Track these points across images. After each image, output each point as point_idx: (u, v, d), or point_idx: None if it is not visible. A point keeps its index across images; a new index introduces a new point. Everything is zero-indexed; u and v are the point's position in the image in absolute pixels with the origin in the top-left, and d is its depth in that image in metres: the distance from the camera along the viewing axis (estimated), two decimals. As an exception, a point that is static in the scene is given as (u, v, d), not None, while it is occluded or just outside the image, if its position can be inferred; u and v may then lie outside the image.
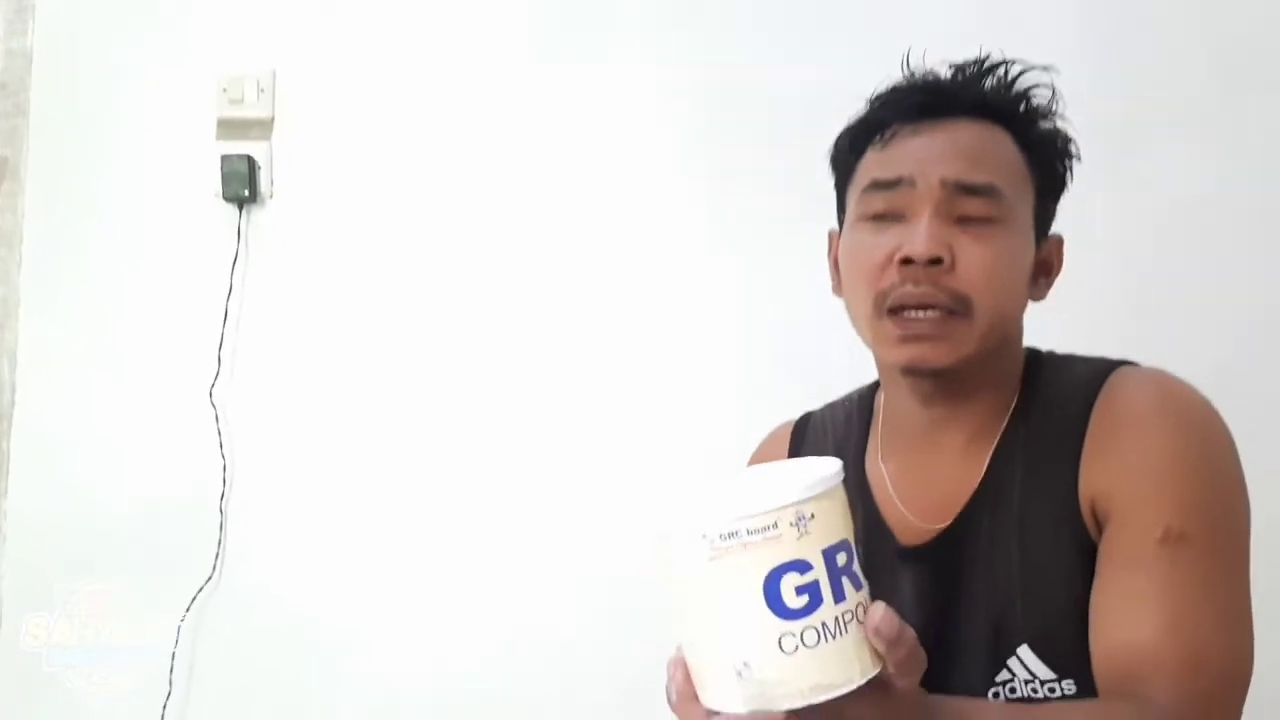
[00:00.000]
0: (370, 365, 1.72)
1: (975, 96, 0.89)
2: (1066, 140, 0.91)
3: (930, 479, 0.91)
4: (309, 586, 1.69)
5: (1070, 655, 0.82)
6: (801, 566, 0.57)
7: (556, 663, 1.66)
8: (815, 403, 1.07)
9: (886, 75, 0.92)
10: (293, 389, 1.72)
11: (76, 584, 1.65)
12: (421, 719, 1.68)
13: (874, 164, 0.89)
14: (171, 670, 1.68)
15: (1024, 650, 0.85)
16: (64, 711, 1.65)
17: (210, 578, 1.69)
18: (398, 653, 1.69)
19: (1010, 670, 0.86)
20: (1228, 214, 1.59)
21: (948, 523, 0.89)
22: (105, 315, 1.75)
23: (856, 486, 0.96)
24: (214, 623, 1.69)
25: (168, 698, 1.67)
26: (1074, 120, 0.92)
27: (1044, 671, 0.84)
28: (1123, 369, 0.88)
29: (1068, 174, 0.92)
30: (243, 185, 1.71)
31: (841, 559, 0.59)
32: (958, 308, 0.84)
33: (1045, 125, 0.90)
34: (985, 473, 0.88)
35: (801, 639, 0.57)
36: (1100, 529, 0.82)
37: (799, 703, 0.58)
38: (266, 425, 1.72)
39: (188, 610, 1.68)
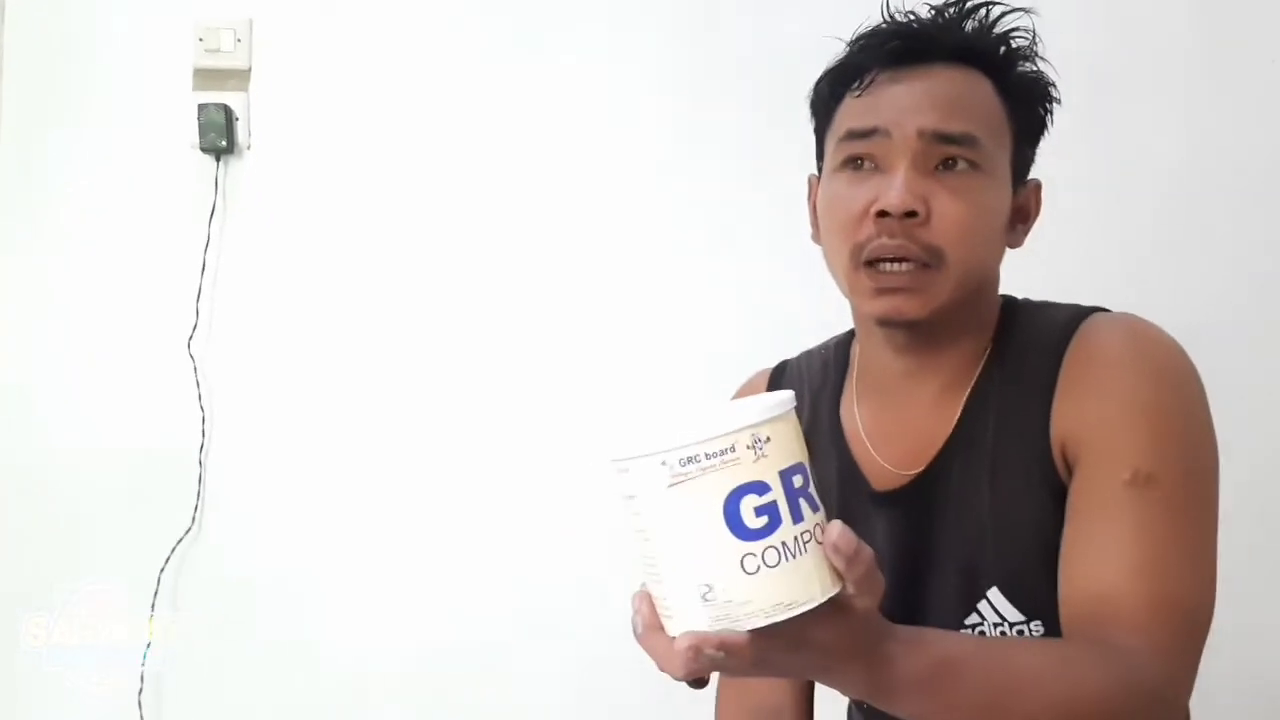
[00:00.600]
0: (349, 316, 1.71)
1: (955, 40, 0.88)
2: (1047, 84, 0.90)
3: (904, 426, 0.92)
4: (288, 537, 1.70)
5: (1039, 598, 0.83)
6: (760, 488, 0.59)
7: (532, 615, 1.67)
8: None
9: (867, 18, 0.91)
10: (271, 341, 1.72)
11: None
12: (400, 669, 1.69)
13: (851, 112, 0.88)
14: (152, 620, 1.68)
15: (994, 593, 0.86)
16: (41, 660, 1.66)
17: (190, 529, 1.69)
18: (376, 602, 1.70)
19: (980, 614, 0.87)
20: (1209, 169, 1.59)
21: (921, 468, 0.90)
22: (82, 267, 1.73)
23: (831, 434, 0.97)
24: (193, 573, 1.70)
25: (148, 647, 1.67)
26: (1057, 70, 0.91)
27: (1013, 614, 0.86)
28: (1096, 314, 0.88)
29: (1048, 118, 0.91)
30: (220, 136, 1.69)
31: (798, 481, 0.60)
32: (932, 261, 0.84)
33: (1025, 69, 0.89)
34: (958, 419, 0.89)
35: (763, 559, 0.59)
36: (1071, 472, 0.83)
37: (762, 621, 0.59)
38: (245, 377, 1.71)
39: (167, 561, 1.68)
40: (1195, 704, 0.84)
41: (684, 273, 1.67)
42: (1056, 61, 0.91)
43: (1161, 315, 0.88)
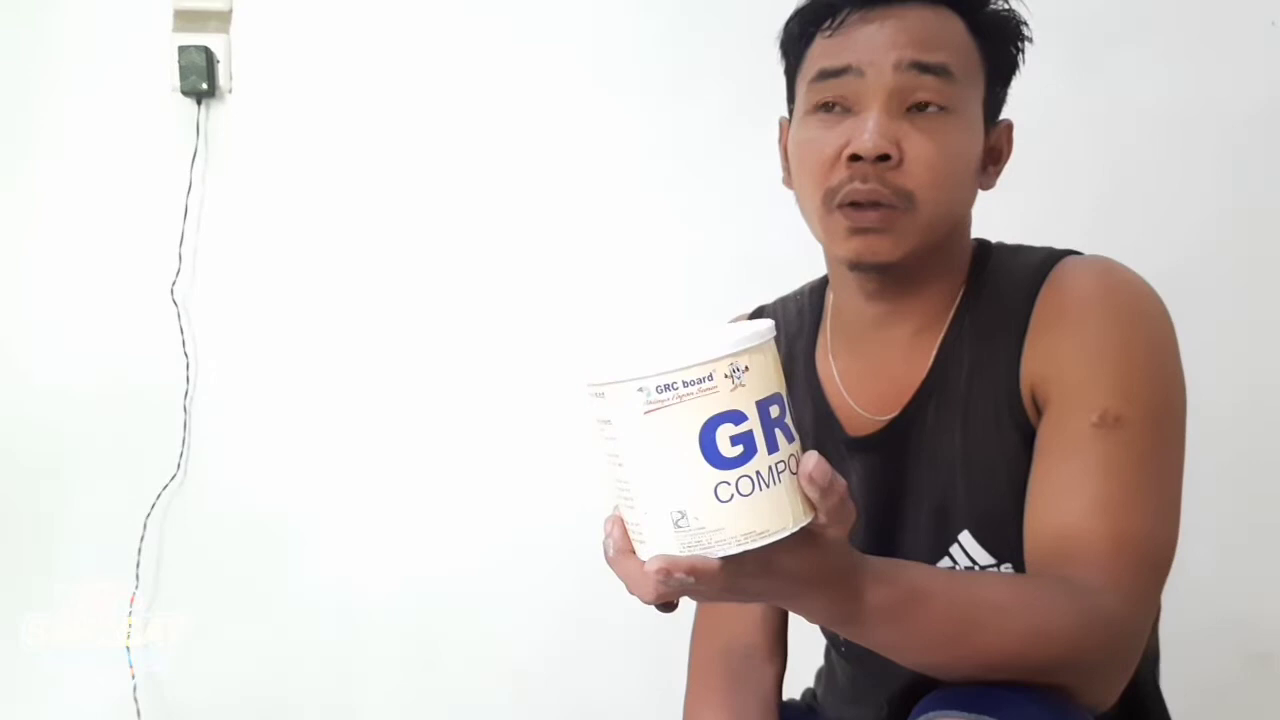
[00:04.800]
0: (332, 261, 1.70)
1: None
2: (1019, 22, 0.90)
3: (878, 372, 0.92)
4: (273, 483, 1.70)
5: (1010, 540, 0.84)
6: (736, 417, 0.59)
7: (521, 559, 1.69)
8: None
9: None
10: (254, 285, 1.71)
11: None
12: (385, 616, 1.71)
13: (822, 52, 0.87)
14: (138, 566, 1.69)
15: (965, 536, 0.87)
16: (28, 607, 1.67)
17: (175, 475, 1.70)
18: (361, 550, 1.71)
19: (952, 558, 0.88)
20: (1192, 118, 1.59)
21: (894, 414, 0.91)
22: (63, 212, 1.71)
23: (806, 380, 0.97)
24: (179, 519, 1.70)
25: (135, 591, 1.69)
26: (1045, 18, 0.91)
27: (984, 557, 0.87)
28: (1069, 257, 0.88)
29: (1020, 57, 0.90)
30: (201, 78, 1.67)
31: (774, 411, 0.60)
32: (904, 204, 0.84)
33: (997, 6, 0.89)
34: (931, 364, 0.90)
35: (736, 488, 0.59)
36: (1041, 415, 0.83)
37: (734, 549, 0.60)
38: (229, 322, 1.71)
39: (152, 508, 1.69)
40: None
41: (672, 212, 1.67)
42: (1047, 6, 0.91)
43: (1139, 259, 0.87)
